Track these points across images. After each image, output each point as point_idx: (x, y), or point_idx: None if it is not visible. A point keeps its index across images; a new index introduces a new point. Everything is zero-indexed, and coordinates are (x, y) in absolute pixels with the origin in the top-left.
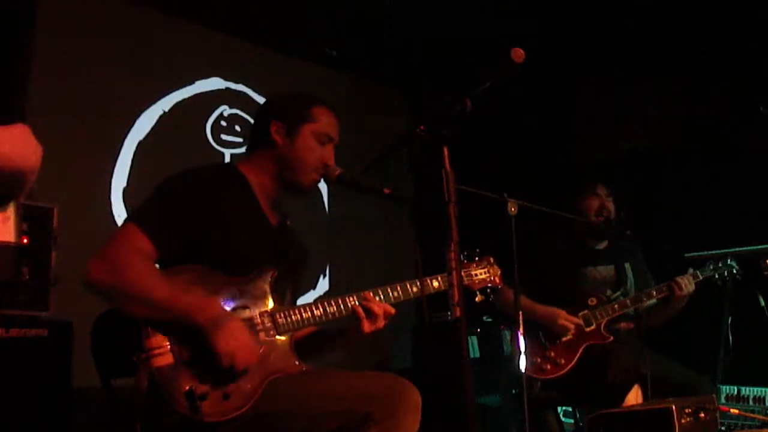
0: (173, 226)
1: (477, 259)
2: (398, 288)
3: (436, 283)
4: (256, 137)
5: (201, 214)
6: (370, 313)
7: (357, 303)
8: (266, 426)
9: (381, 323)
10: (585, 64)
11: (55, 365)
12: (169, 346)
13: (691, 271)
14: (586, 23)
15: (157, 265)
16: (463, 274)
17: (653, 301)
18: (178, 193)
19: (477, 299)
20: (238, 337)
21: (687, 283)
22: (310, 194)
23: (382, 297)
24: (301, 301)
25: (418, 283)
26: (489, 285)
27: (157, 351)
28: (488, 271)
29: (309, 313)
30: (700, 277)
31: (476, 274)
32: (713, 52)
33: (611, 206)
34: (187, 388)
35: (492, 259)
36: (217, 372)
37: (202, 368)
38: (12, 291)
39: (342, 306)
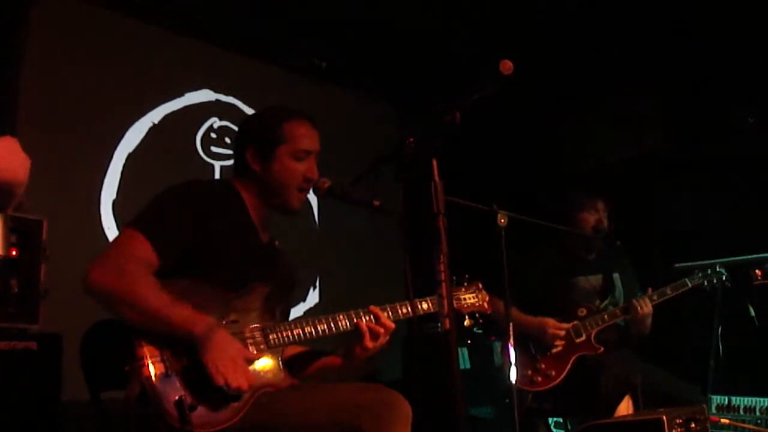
0: (174, 232)
1: (466, 284)
2: (388, 309)
3: (425, 305)
4: (236, 165)
5: (199, 226)
6: (371, 330)
7: (361, 319)
8: None
9: (384, 339)
10: (574, 76)
11: (44, 378)
12: (160, 356)
13: (670, 285)
14: (577, 36)
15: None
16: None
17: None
18: (179, 202)
19: (466, 323)
20: (233, 359)
21: (644, 305)
22: (300, 212)
23: (372, 318)
24: (290, 314)
25: (408, 306)
26: (478, 310)
27: (148, 360)
28: (477, 296)
29: (300, 330)
30: (689, 286)
31: (465, 299)
32: (702, 65)
33: (606, 222)
34: (177, 397)
35: (480, 285)
36: (208, 383)
37: (192, 379)
38: (1, 303)
39: (333, 325)
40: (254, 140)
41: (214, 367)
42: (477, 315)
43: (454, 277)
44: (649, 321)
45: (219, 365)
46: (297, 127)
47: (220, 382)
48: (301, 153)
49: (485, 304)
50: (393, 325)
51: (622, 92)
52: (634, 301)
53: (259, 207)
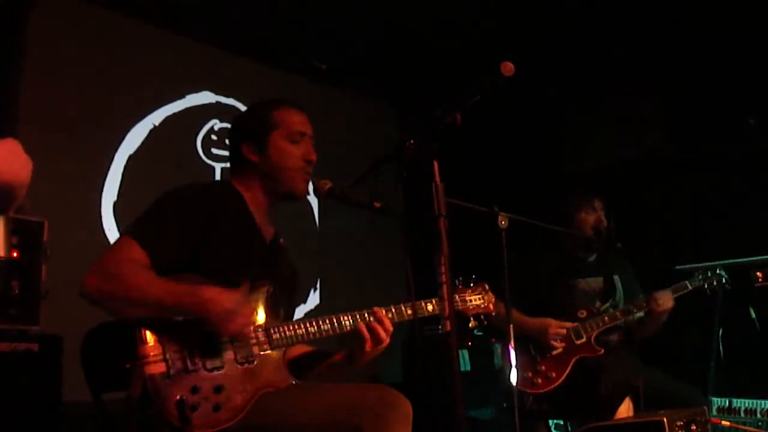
0: (169, 240)
1: (472, 285)
2: (393, 310)
3: (430, 307)
4: (234, 163)
5: (198, 229)
6: (373, 332)
7: (361, 321)
8: None
9: (386, 340)
10: (574, 76)
11: (45, 379)
12: (162, 355)
13: (671, 287)
14: (577, 36)
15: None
16: (457, 299)
17: (641, 313)
18: (176, 207)
19: (470, 325)
20: (231, 302)
21: (666, 299)
22: (306, 196)
23: (374, 319)
24: (294, 313)
25: (413, 307)
26: (483, 312)
27: (150, 359)
28: (482, 298)
29: (303, 329)
30: (689, 288)
31: (470, 300)
32: (702, 65)
33: (605, 221)
34: (178, 397)
35: (487, 286)
36: (210, 382)
37: (194, 378)
38: (2, 305)
39: (336, 324)
40: (247, 134)
41: (217, 316)
42: (482, 317)
43: (460, 278)
44: (664, 318)
45: (221, 315)
46: (286, 111)
47: (225, 326)
48: (296, 135)
49: (490, 306)
50: (391, 327)
51: (622, 92)
52: (655, 294)
53: (262, 203)
